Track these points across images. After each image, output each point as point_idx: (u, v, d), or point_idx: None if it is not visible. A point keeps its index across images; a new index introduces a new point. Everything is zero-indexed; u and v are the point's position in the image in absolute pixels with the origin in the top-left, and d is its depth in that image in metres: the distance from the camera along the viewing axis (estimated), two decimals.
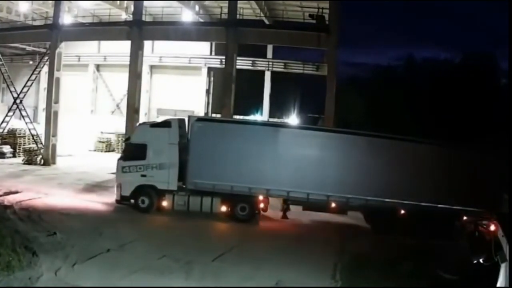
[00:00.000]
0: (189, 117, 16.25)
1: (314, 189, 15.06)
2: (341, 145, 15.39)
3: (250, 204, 15.36)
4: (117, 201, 15.82)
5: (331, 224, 16.21)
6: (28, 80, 27.98)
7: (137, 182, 15.46)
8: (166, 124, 16.18)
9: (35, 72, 28.50)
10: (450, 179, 14.81)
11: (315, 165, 15.16)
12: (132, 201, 15.62)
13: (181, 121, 16.32)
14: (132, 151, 15.87)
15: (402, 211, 15.05)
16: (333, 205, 15.30)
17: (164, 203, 15.42)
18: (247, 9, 27.89)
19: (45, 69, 27.36)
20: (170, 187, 15.43)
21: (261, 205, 15.54)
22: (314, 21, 23.25)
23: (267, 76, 32.20)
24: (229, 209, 15.28)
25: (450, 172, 14.88)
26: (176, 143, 15.56)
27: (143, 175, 15.50)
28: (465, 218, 15.04)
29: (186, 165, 15.38)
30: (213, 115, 30.44)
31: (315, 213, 16.18)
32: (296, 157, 15.21)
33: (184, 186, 15.51)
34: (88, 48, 31.88)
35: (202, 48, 31.26)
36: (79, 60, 32.28)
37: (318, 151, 15.31)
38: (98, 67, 33.72)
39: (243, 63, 29.00)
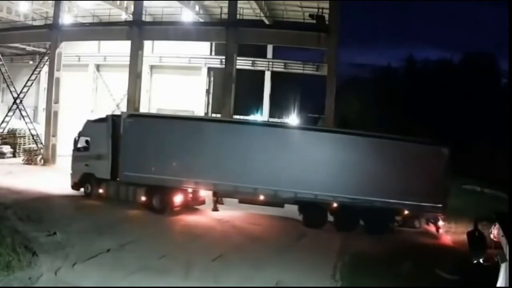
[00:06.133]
0: (122, 113, 17.49)
1: (240, 182, 15.16)
2: (271, 138, 15.51)
3: (164, 195, 15.78)
4: (72, 187, 17.56)
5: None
6: (28, 80, 27.99)
7: (82, 171, 17.18)
8: (103, 119, 17.53)
9: (35, 72, 28.51)
10: (389, 173, 14.54)
11: (241, 157, 15.28)
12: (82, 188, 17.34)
13: (118, 116, 17.41)
14: (81, 143, 17.55)
15: (335, 205, 14.98)
16: (261, 197, 15.41)
17: (100, 191, 16.81)
18: (247, 9, 27.82)
19: (45, 69, 27.38)
20: (104, 176, 16.73)
21: (177, 198, 15.68)
22: (314, 21, 23.23)
23: (267, 76, 32.11)
24: (148, 200, 15.97)
25: (389, 165, 14.60)
26: (110, 137, 16.75)
27: (86, 165, 17.13)
28: (406, 212, 14.87)
29: (118, 157, 16.51)
30: (213, 115, 30.39)
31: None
32: (219, 150, 15.41)
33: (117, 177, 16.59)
34: (88, 48, 31.81)
35: (202, 48, 31.18)
36: (79, 60, 32.18)
37: (245, 143, 15.39)
38: (98, 67, 33.62)
39: (243, 63, 28.93)
